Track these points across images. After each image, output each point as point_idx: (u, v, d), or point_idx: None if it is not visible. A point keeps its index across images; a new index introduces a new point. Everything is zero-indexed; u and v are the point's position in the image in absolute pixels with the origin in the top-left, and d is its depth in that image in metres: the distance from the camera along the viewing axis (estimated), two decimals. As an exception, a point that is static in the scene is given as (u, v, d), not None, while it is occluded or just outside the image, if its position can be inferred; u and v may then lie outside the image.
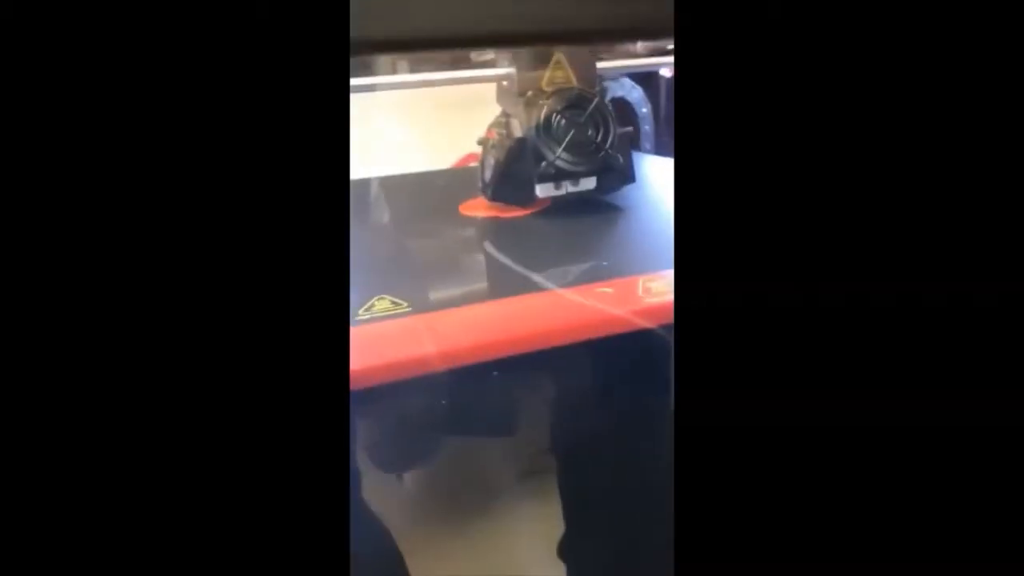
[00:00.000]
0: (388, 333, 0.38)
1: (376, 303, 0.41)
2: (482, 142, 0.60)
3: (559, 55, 0.57)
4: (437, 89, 0.73)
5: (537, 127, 0.56)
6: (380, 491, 0.54)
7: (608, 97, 0.65)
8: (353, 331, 0.37)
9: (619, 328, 0.39)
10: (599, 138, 0.57)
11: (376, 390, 0.56)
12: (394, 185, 0.64)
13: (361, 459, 0.54)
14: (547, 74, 0.57)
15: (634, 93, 0.92)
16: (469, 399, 0.57)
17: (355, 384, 0.34)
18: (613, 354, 0.42)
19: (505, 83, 0.60)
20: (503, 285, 0.44)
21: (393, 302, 0.41)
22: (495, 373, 0.60)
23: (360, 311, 0.40)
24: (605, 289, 0.42)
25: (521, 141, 0.57)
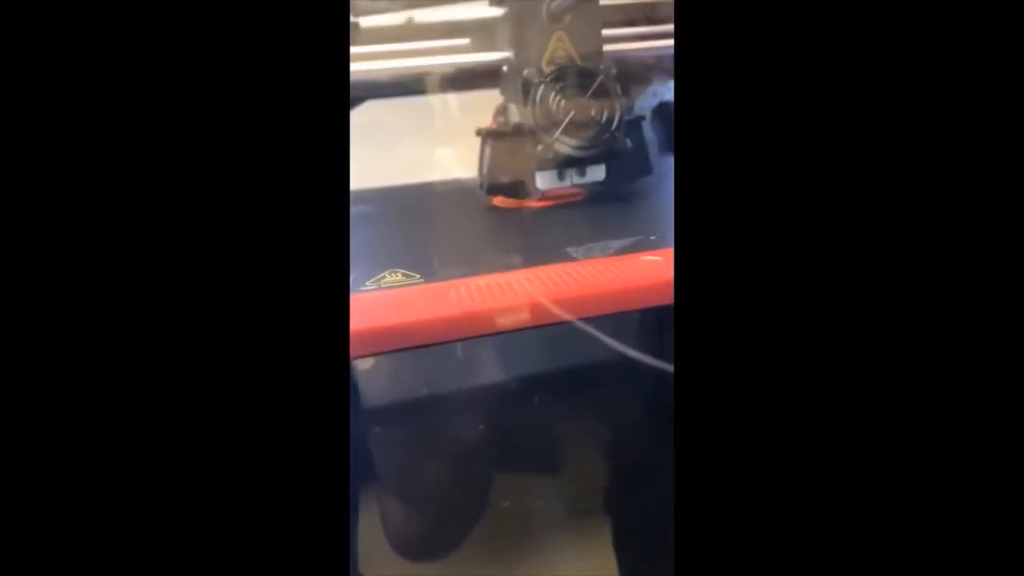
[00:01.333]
0: (392, 299, 0.32)
1: (387, 276, 0.34)
2: (479, 132, 0.55)
3: (560, 32, 0.52)
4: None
5: (533, 108, 0.51)
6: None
7: (657, 101, 0.61)
8: (354, 297, 0.31)
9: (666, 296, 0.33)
10: (604, 119, 0.52)
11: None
12: (432, 189, 0.60)
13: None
14: (547, 53, 0.52)
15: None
16: (508, 427, 0.51)
17: (355, 351, 0.28)
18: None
19: (505, 68, 0.55)
20: (531, 259, 0.38)
21: (405, 275, 0.34)
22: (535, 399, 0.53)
23: (367, 283, 0.33)
24: (653, 258, 0.36)
25: (518, 127, 0.52)
